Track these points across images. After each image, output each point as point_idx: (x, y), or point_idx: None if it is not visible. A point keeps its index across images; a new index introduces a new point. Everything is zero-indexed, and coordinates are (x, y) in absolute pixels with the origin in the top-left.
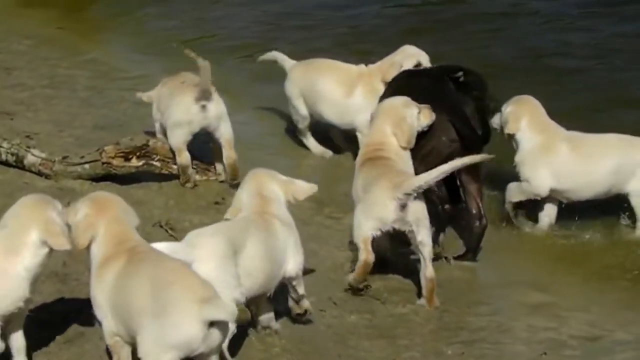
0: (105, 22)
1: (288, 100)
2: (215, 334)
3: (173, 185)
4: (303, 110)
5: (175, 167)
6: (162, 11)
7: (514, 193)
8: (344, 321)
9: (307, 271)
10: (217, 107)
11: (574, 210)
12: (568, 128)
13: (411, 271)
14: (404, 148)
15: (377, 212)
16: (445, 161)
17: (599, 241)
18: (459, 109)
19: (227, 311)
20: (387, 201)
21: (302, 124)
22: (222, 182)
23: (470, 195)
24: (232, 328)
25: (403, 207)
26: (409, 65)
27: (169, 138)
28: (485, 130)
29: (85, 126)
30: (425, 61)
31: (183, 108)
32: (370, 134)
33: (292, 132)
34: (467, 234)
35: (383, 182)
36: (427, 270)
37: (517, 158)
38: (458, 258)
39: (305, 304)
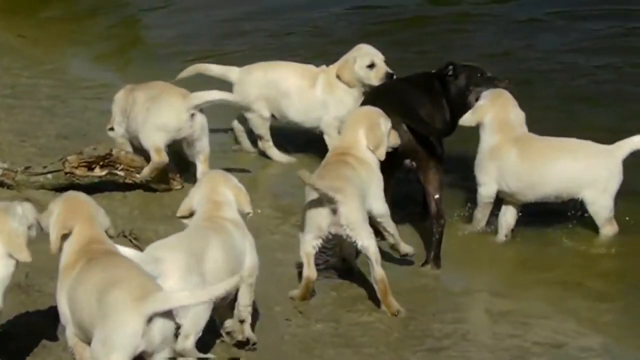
0: (69, 31)
1: (242, 105)
2: (156, 329)
3: (137, 195)
4: (265, 112)
5: (139, 176)
6: (126, 20)
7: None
8: (310, 330)
9: (272, 280)
10: (202, 118)
11: (537, 218)
12: (536, 130)
13: None
14: (374, 153)
15: (313, 219)
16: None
17: (561, 248)
18: (411, 110)
19: (167, 302)
20: (317, 208)
21: (263, 128)
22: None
23: (429, 196)
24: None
25: (334, 211)
26: (363, 63)
27: (145, 138)
28: (452, 123)
29: (48, 136)
30: (380, 61)
31: (174, 113)
32: (342, 136)
33: (255, 141)
34: (428, 236)
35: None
36: (375, 273)
37: (476, 159)
38: (425, 264)
39: (247, 331)
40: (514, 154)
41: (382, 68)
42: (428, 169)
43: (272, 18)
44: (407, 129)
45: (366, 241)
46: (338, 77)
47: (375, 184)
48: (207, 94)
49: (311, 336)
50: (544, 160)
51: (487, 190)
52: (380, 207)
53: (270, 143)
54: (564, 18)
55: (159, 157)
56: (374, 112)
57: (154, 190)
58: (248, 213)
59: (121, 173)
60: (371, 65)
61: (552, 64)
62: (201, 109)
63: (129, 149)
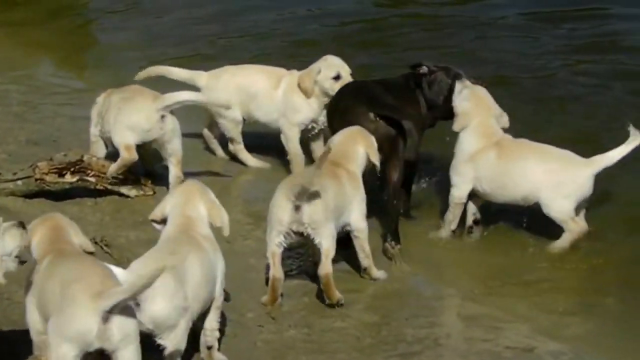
0: (40, 37)
1: (212, 107)
2: (115, 327)
3: (108, 201)
4: (237, 115)
5: (107, 172)
6: (97, 26)
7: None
8: (282, 336)
9: (245, 286)
10: (173, 120)
11: (508, 222)
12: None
13: (350, 286)
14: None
15: (276, 214)
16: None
17: (532, 253)
18: (378, 99)
19: (122, 294)
20: (283, 203)
21: (235, 131)
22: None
23: (389, 179)
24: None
25: (297, 208)
26: (328, 75)
27: (116, 136)
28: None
29: (18, 142)
30: (346, 74)
31: (144, 114)
32: (340, 147)
33: (227, 146)
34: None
35: (285, 185)
36: (322, 266)
37: (454, 159)
38: (385, 242)
39: (216, 356)
40: (493, 155)
41: (347, 80)
42: (392, 157)
43: (235, 21)
44: (374, 118)
45: (324, 240)
46: (299, 86)
47: (358, 200)
48: (178, 95)
49: (284, 342)
50: (514, 161)
51: (460, 191)
52: (359, 223)
53: (242, 146)
54: (532, 20)
55: (129, 155)
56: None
57: (126, 197)
58: (219, 227)
59: (92, 179)
60: (337, 77)
61: (519, 66)
62: (172, 111)
63: (103, 150)
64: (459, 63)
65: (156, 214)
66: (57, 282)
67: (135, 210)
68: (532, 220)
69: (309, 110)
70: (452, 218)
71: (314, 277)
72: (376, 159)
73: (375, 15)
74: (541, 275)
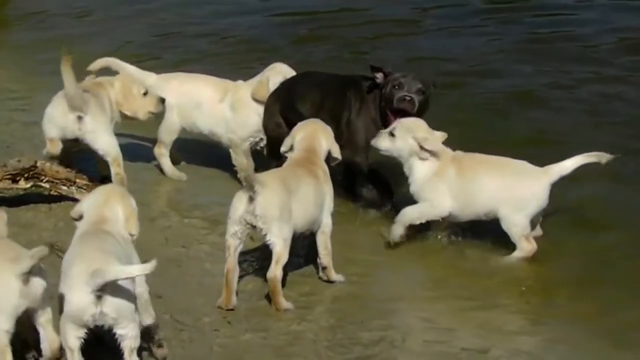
0: None
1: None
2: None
3: (63, 207)
4: (176, 122)
5: (64, 188)
6: (50, 31)
7: (412, 216)
8: (239, 340)
9: (200, 291)
10: (94, 121)
11: (464, 229)
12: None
13: (306, 289)
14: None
15: (233, 204)
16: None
17: (486, 256)
18: (293, 106)
19: (114, 273)
20: (241, 193)
21: (169, 136)
22: None
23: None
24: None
25: (251, 199)
26: (277, 82)
27: (43, 127)
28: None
29: None
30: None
31: (59, 110)
32: (308, 145)
33: (185, 149)
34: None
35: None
36: (271, 271)
37: (415, 184)
38: None
39: None
40: (453, 173)
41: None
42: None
43: (196, 23)
44: (281, 121)
45: (275, 238)
46: (255, 99)
47: (330, 197)
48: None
49: (240, 346)
50: (474, 177)
51: (440, 206)
52: (327, 218)
53: (166, 152)
54: (480, 24)
55: (50, 148)
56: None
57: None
58: (132, 235)
59: (46, 185)
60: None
61: (468, 64)
62: (92, 111)
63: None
64: (418, 66)
65: (76, 211)
66: None
67: None
68: (490, 224)
69: (258, 122)
70: (412, 221)
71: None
72: (338, 153)
73: (329, 19)
74: (495, 279)
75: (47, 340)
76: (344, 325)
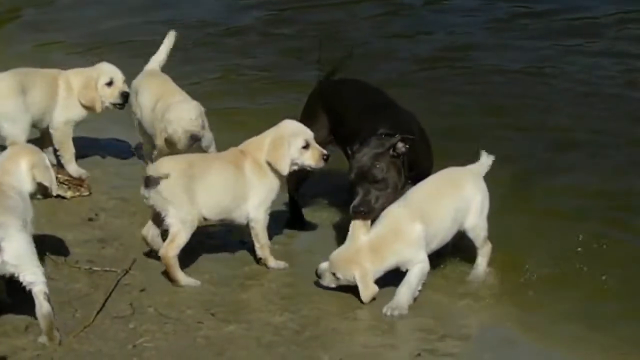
0: None
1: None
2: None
3: (45, 203)
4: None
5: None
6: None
7: None
8: (222, 332)
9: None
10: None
11: None
12: None
13: (286, 280)
14: (269, 165)
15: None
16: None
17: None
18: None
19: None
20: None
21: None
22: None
23: None
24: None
25: (147, 184)
26: (103, 81)
27: None
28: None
29: None
30: (119, 80)
31: None
32: (253, 139)
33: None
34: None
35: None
36: (162, 248)
37: None
38: None
39: None
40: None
41: (118, 87)
42: None
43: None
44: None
45: (174, 221)
46: (83, 105)
47: (260, 190)
48: None
49: (224, 338)
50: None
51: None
52: (254, 213)
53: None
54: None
55: None
56: (289, 130)
57: (62, 198)
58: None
59: None
60: (109, 83)
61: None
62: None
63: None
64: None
65: None
66: None
67: (72, 211)
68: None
69: (79, 113)
70: None
71: (251, 274)
72: (279, 156)
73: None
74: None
75: None
76: (326, 316)
